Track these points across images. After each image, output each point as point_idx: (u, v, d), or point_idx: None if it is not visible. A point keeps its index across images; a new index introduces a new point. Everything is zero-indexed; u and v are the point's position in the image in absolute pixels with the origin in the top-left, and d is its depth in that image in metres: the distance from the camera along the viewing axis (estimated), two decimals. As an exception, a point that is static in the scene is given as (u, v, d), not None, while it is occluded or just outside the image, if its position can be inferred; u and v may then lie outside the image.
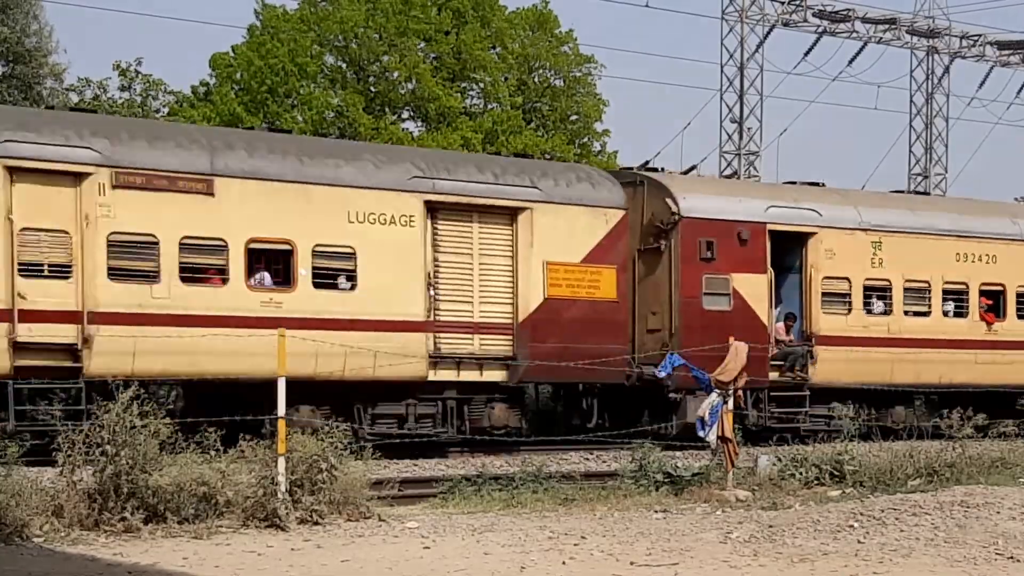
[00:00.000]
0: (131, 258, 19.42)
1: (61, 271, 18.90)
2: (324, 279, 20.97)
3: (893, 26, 44.35)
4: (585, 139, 44.82)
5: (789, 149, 75.79)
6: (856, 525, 13.53)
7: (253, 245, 20.43)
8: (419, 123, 42.39)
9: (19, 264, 18.58)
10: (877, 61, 52.22)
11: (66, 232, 18.89)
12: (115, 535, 12.68)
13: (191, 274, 19.94)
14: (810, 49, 43.29)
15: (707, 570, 11.47)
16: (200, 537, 12.75)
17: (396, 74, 41.21)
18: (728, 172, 40.76)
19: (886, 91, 63.20)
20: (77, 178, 18.99)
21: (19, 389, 18.52)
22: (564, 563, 11.71)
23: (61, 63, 40.43)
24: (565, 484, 17.56)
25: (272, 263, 20.89)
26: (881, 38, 44.38)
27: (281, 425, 13.92)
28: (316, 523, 13.55)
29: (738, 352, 17.39)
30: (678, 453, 20.92)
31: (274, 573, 11.18)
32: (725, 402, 17.04)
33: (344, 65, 42.03)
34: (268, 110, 39.47)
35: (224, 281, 20.16)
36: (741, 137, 42.18)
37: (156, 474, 13.18)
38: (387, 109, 41.47)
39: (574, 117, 44.54)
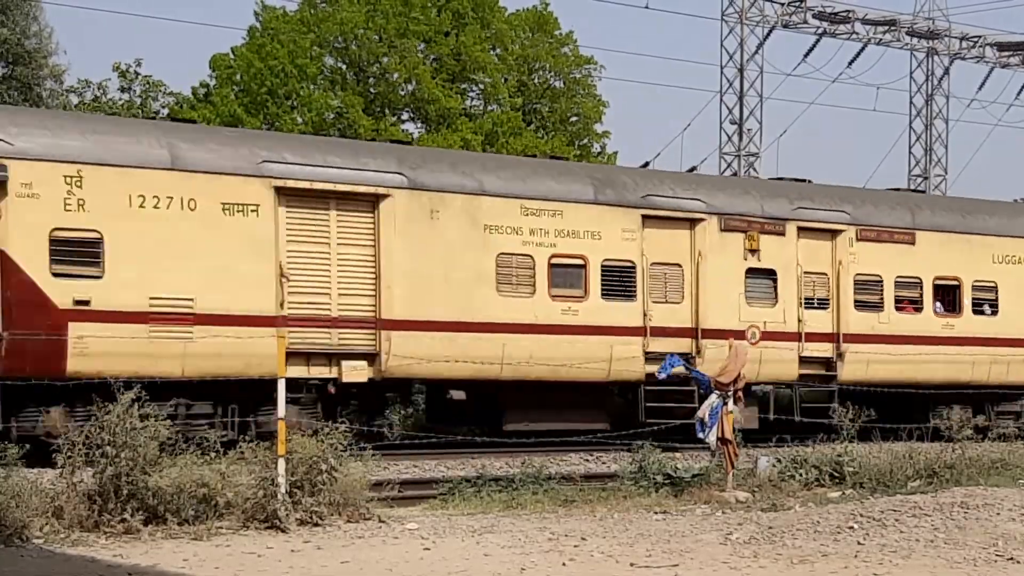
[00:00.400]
0: (867, 293, 25.92)
1: (823, 303, 25.45)
2: (976, 307, 27.25)
3: (893, 27, 44.32)
4: (585, 140, 44.85)
5: (789, 150, 75.82)
6: (856, 526, 13.54)
7: (937, 282, 26.77)
8: (419, 124, 42.41)
9: (803, 299, 25.09)
10: (877, 62, 52.13)
11: (826, 274, 25.53)
12: (115, 536, 12.67)
13: (902, 304, 26.34)
14: (810, 50, 43.29)
15: (707, 571, 11.47)
16: (200, 538, 12.75)
17: (396, 75, 41.22)
18: (728, 174, 40.74)
19: (886, 92, 63.21)
20: (834, 235, 25.63)
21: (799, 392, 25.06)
22: (564, 564, 11.71)
23: (61, 64, 40.53)
24: (565, 485, 17.57)
25: (945, 295, 27.02)
26: (881, 39, 44.34)
27: (281, 426, 13.90)
28: (316, 524, 13.55)
29: (738, 353, 17.36)
30: (678, 455, 20.93)
31: (274, 574, 11.18)
32: (725, 403, 17.02)
33: (344, 66, 42.04)
34: (268, 111, 39.49)
35: (917, 310, 26.45)
36: (741, 138, 42.16)
37: (156, 475, 13.17)
38: (387, 110, 41.51)
39: (574, 118, 44.56)
